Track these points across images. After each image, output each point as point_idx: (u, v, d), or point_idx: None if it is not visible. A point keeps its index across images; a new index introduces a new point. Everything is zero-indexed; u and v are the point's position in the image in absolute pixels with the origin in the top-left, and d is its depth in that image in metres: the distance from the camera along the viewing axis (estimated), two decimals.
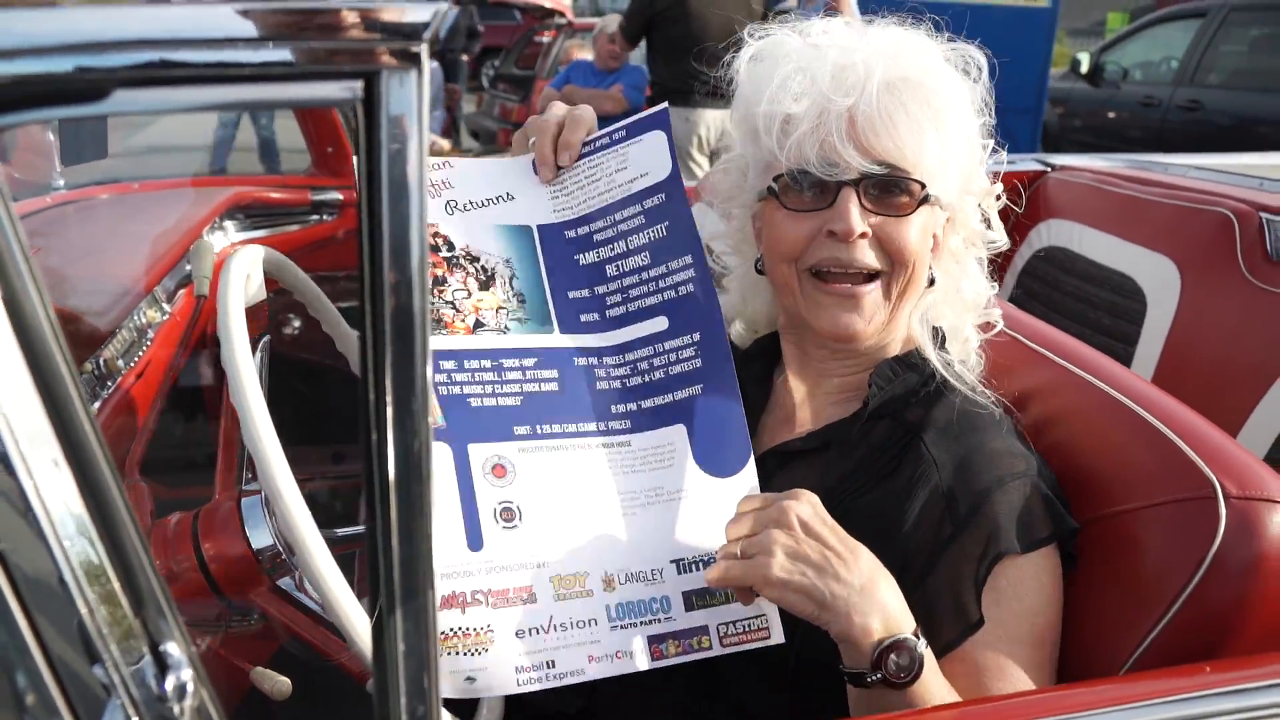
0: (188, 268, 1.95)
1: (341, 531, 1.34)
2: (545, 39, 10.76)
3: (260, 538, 1.10)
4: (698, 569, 1.05)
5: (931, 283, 1.22)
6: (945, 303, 1.27)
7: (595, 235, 1.14)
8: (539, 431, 1.06)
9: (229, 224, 2.55)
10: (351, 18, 0.50)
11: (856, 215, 1.13)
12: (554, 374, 1.08)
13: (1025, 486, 1.11)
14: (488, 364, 1.07)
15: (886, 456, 1.18)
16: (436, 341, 1.03)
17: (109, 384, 1.69)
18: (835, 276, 1.16)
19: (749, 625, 1.06)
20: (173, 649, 0.56)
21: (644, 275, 1.12)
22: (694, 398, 1.08)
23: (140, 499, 1.26)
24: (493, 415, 1.05)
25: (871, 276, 1.16)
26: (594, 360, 1.10)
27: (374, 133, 0.50)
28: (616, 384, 1.09)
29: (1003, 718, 0.90)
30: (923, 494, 1.12)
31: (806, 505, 0.99)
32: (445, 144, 7.38)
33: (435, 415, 1.03)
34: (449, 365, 1.06)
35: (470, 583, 1.00)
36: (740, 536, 0.98)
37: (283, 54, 0.48)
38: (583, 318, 1.12)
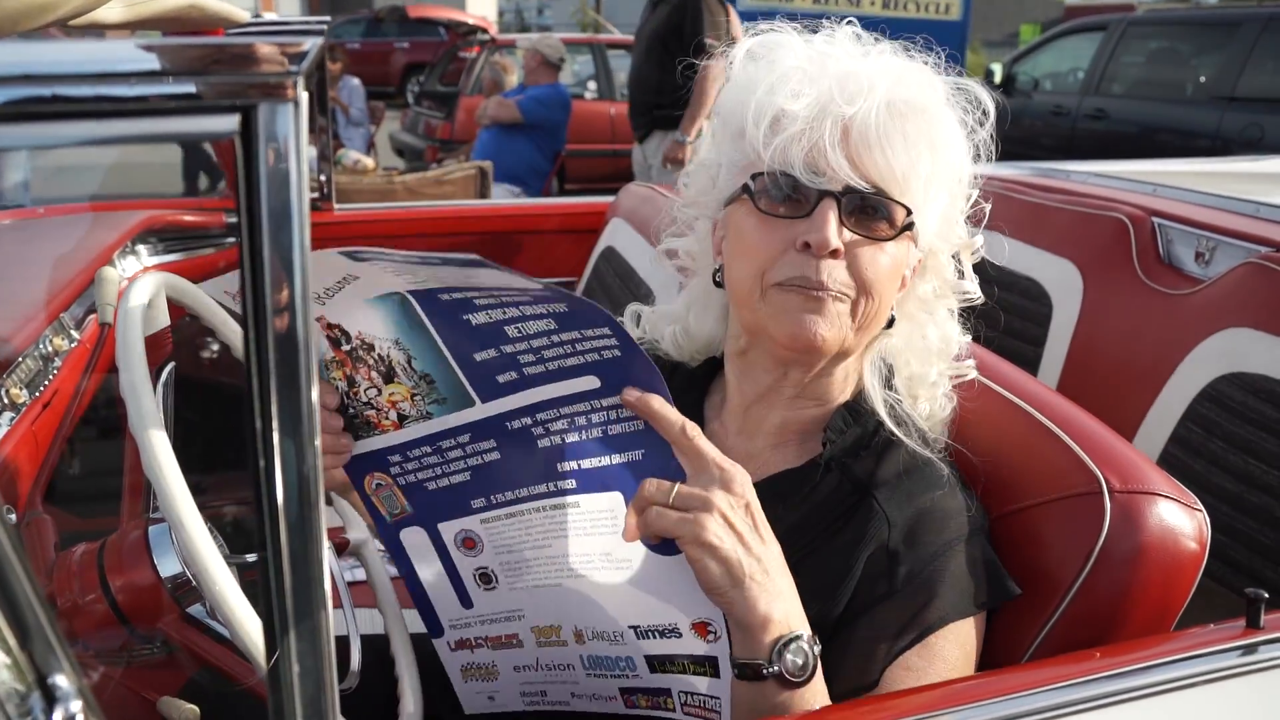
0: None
1: (253, 557, 1.33)
2: (469, 55, 10.74)
3: (169, 565, 1.08)
4: (655, 637, 1.04)
5: (890, 323, 1.17)
6: (909, 349, 1.20)
7: (475, 300, 0.98)
8: (494, 501, 1.05)
9: (141, 248, 2.50)
10: (227, 52, 0.50)
11: (834, 229, 1.06)
12: (491, 443, 1.03)
13: (973, 549, 1.09)
14: (428, 449, 1.05)
15: (835, 512, 1.12)
16: (374, 441, 1.06)
17: (12, 415, 1.64)
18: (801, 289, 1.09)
19: (705, 703, 1.05)
20: (61, 681, 0.55)
21: (554, 339, 0.98)
22: (634, 463, 0.99)
23: (44, 530, 1.23)
24: (449, 494, 1.07)
25: (838, 296, 1.09)
26: (528, 420, 1.01)
27: (252, 165, 0.51)
28: (558, 439, 1.01)
29: (904, 712, 0.93)
30: (870, 549, 1.09)
31: (748, 480, 0.97)
32: (369, 162, 7.31)
33: (403, 506, 1.09)
34: (396, 459, 1.07)
35: (471, 631, 1.15)
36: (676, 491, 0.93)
37: (158, 89, 0.48)
38: (500, 379, 0.99)
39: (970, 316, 1.27)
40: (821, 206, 1.07)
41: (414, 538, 1.11)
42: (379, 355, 1.01)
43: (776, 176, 1.09)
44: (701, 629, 1.01)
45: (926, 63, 1.16)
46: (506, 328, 0.97)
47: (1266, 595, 1.04)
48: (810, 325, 1.08)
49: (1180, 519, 1.08)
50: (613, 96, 10.37)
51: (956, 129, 1.14)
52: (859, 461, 1.15)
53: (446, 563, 1.10)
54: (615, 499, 1.00)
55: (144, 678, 1.08)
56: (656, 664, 1.06)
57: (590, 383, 0.98)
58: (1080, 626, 1.08)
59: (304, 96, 0.51)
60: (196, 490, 1.21)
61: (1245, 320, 1.88)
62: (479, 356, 0.98)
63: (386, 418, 1.05)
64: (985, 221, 1.23)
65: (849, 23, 1.18)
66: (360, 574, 1.26)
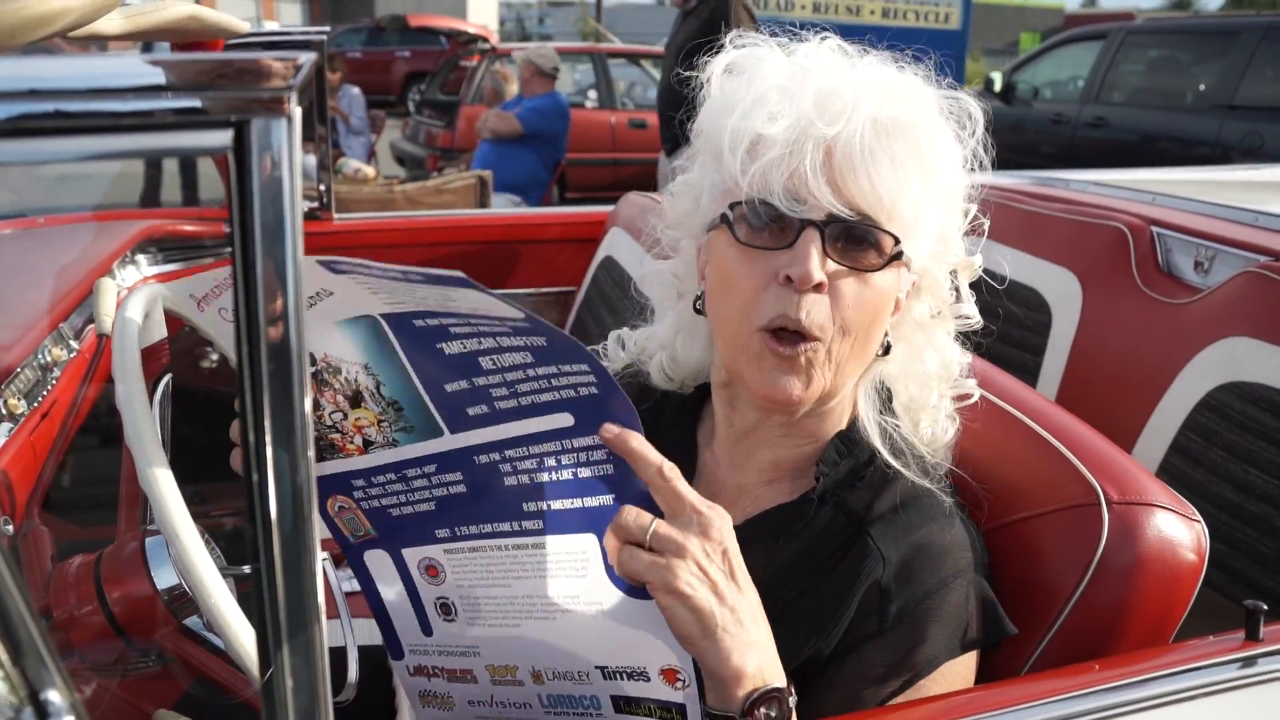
0: None
1: (249, 569, 1.33)
2: (470, 64, 10.78)
3: (165, 577, 1.08)
4: (622, 678, 1.01)
5: (887, 350, 1.12)
6: (906, 375, 1.15)
7: (451, 328, 0.94)
8: (458, 534, 1.02)
9: (141, 258, 2.50)
10: (221, 67, 0.51)
11: (816, 261, 1.00)
12: (458, 476, 0.99)
13: (969, 586, 1.05)
14: (393, 476, 1.02)
15: (829, 548, 1.08)
16: (338, 464, 1.03)
17: (10, 425, 1.64)
18: (788, 336, 1.04)
19: None
20: (54, 696, 0.55)
21: (530, 373, 0.93)
22: (604, 508, 0.95)
23: (41, 542, 1.23)
24: (413, 521, 1.04)
25: (814, 348, 1.04)
26: (496, 456, 0.97)
27: (245, 180, 0.51)
28: (525, 479, 0.97)
29: None
30: (864, 586, 1.05)
31: (728, 524, 0.92)
32: (370, 171, 7.33)
33: (366, 528, 1.06)
34: (360, 483, 1.04)
35: (429, 659, 1.12)
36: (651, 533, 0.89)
37: (151, 104, 0.48)
38: (470, 411, 0.96)
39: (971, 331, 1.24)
40: (804, 237, 1.01)
41: (378, 560, 1.09)
42: (345, 379, 0.98)
43: (755, 205, 1.03)
44: (670, 675, 0.98)
45: (917, 73, 1.11)
46: (481, 359, 0.93)
47: (1265, 607, 1.04)
48: (785, 387, 1.05)
49: (1179, 530, 1.08)
50: (613, 105, 10.40)
51: (949, 143, 1.09)
52: (854, 494, 1.10)
53: (409, 586, 1.08)
54: (586, 541, 0.96)
55: (140, 690, 1.08)
56: (623, 704, 1.03)
57: (563, 420, 0.94)
58: (1078, 639, 1.07)
59: (298, 111, 0.52)
60: (195, 501, 1.21)
61: (1245, 329, 1.87)
62: (450, 387, 0.95)
63: (351, 442, 1.01)
64: (985, 236, 1.20)
65: (823, 38, 1.13)
66: (356, 584, 1.26)
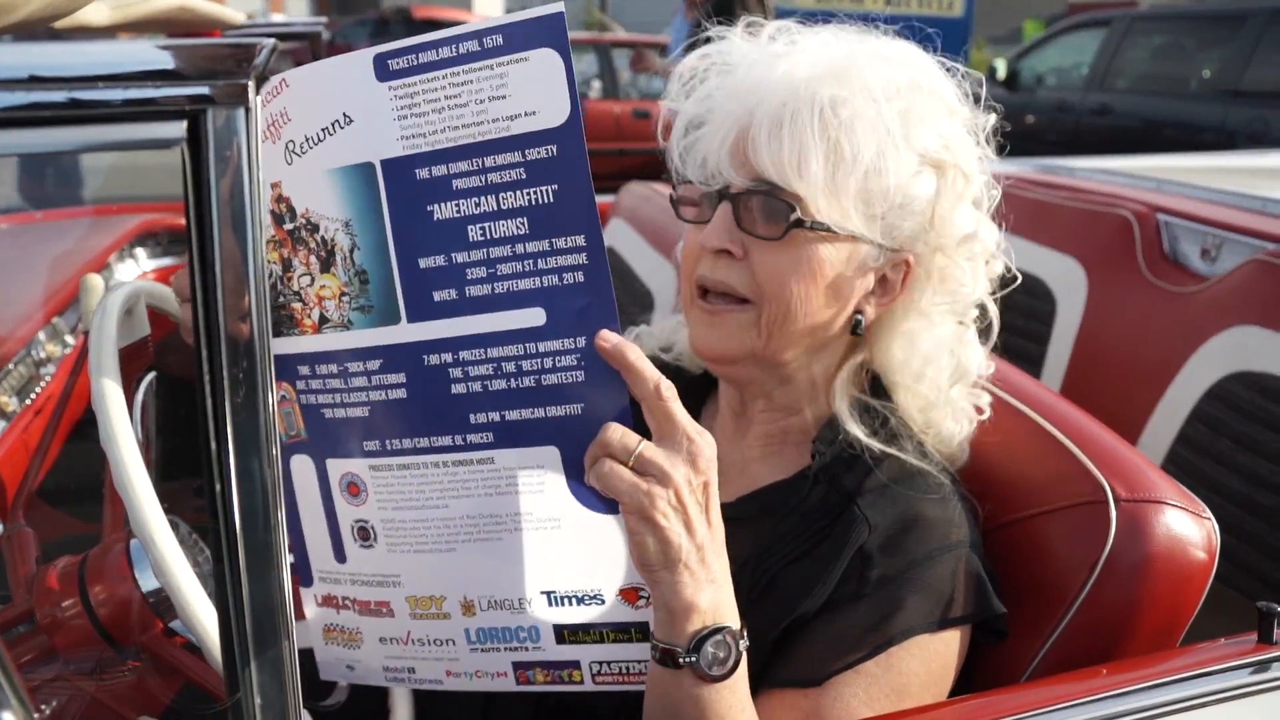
0: None
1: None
2: None
3: (150, 580, 1.06)
4: (572, 604, 0.97)
5: (855, 329, 1.11)
6: (905, 360, 1.13)
7: (456, 181, 0.87)
8: (388, 448, 0.96)
9: (140, 251, 2.48)
10: (171, 55, 0.48)
11: (721, 230, 1.06)
12: (401, 378, 0.93)
13: (954, 561, 1.04)
14: (334, 368, 0.94)
15: (821, 524, 1.09)
16: (288, 344, 0.96)
17: (2, 423, 1.62)
18: (711, 296, 1.10)
19: (626, 668, 0.98)
20: (8, 717, 0.53)
21: (518, 249, 0.87)
22: (571, 418, 0.90)
23: (25, 544, 1.20)
24: (343, 428, 0.97)
25: (742, 301, 1.08)
26: (448, 358, 0.91)
27: (201, 172, 0.48)
28: (477, 386, 0.91)
29: None
30: (851, 552, 1.05)
31: (714, 453, 0.90)
32: None
33: (299, 428, 1.00)
34: (304, 370, 0.97)
35: (339, 589, 1.05)
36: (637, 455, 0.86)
37: (95, 94, 0.45)
38: (436, 295, 0.90)
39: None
40: (719, 210, 1.08)
41: (302, 468, 1.02)
42: (321, 238, 0.92)
43: (681, 184, 1.13)
44: (631, 595, 0.95)
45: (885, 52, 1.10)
46: (470, 227, 0.88)
47: None
48: (705, 339, 1.11)
49: (1189, 528, 1.05)
50: (617, 96, 10.35)
51: (899, 116, 1.05)
52: (849, 474, 1.10)
53: (328, 505, 1.01)
54: (546, 454, 0.91)
55: (123, 696, 1.06)
56: (567, 634, 0.98)
57: (534, 318, 0.88)
58: (1085, 640, 1.05)
59: (258, 101, 0.49)
60: (191, 495, 1.18)
61: (1252, 318, 1.84)
62: (424, 263, 0.89)
63: (309, 316, 0.94)
64: (995, 223, 1.16)
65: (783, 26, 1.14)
66: None
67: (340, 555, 1.03)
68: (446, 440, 0.93)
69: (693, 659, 0.88)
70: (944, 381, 1.14)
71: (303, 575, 1.07)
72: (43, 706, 0.93)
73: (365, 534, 1.00)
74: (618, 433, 0.87)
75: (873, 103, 1.04)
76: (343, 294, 0.92)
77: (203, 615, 0.81)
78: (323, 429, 0.98)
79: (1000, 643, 1.08)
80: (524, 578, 0.96)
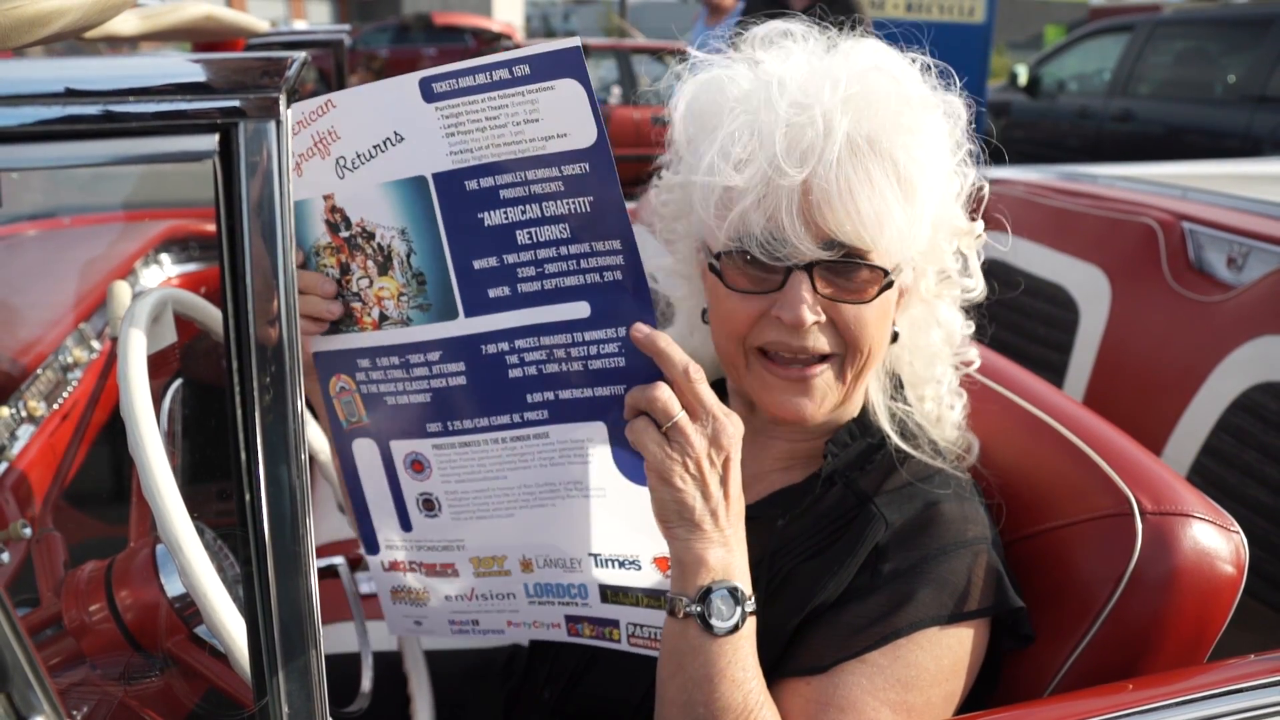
0: None
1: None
2: None
3: (175, 585, 1.07)
4: (614, 567, 1.08)
5: (895, 338, 1.13)
6: (913, 350, 1.17)
7: (502, 191, 0.95)
8: (450, 429, 1.06)
9: (165, 257, 2.50)
10: (203, 69, 0.48)
11: (808, 304, 1.01)
12: (460, 367, 1.02)
13: (970, 556, 1.04)
14: (395, 360, 1.05)
15: (836, 525, 1.10)
16: (349, 339, 1.05)
17: (30, 428, 1.64)
18: (785, 360, 1.06)
19: (654, 634, 1.08)
20: None
21: (562, 250, 0.95)
22: (616, 397, 0.99)
23: (53, 548, 1.22)
24: (406, 413, 1.07)
25: (824, 357, 1.06)
26: (505, 345, 1.00)
27: (232, 185, 0.49)
28: (532, 370, 1.01)
29: None
30: (866, 548, 1.06)
31: (739, 432, 0.96)
32: None
33: (360, 415, 1.10)
34: (365, 364, 1.06)
35: (406, 554, 1.17)
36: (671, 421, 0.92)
37: (128, 108, 0.46)
38: (491, 293, 0.99)
39: (987, 320, 1.23)
40: (792, 281, 1.02)
41: (365, 450, 1.12)
42: (378, 244, 1.01)
43: (734, 256, 1.04)
44: (663, 563, 1.04)
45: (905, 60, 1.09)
46: (518, 232, 0.96)
47: None
48: (797, 408, 1.08)
49: (1216, 542, 1.04)
50: (637, 101, 10.38)
51: (932, 129, 1.05)
52: (864, 475, 1.12)
53: (392, 482, 1.12)
54: (594, 429, 1.02)
55: (150, 701, 1.07)
56: (610, 594, 1.10)
57: (580, 310, 0.98)
58: (1109, 655, 1.04)
59: (288, 115, 0.49)
60: (217, 500, 1.19)
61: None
62: (479, 264, 0.98)
63: (369, 315, 1.04)
64: (984, 205, 1.19)
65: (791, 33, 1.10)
66: (373, 586, 1.24)
67: (406, 525, 1.14)
68: (505, 419, 1.04)
69: (697, 609, 0.93)
70: (938, 358, 1.18)
71: (368, 545, 1.19)
72: (73, 712, 0.94)
73: (430, 505, 1.12)
74: (665, 394, 0.94)
75: (931, 129, 1.05)
76: (401, 294, 1.02)
77: (228, 622, 0.81)
78: (386, 414, 1.09)
79: (1026, 651, 1.07)
80: (574, 539, 1.08)
